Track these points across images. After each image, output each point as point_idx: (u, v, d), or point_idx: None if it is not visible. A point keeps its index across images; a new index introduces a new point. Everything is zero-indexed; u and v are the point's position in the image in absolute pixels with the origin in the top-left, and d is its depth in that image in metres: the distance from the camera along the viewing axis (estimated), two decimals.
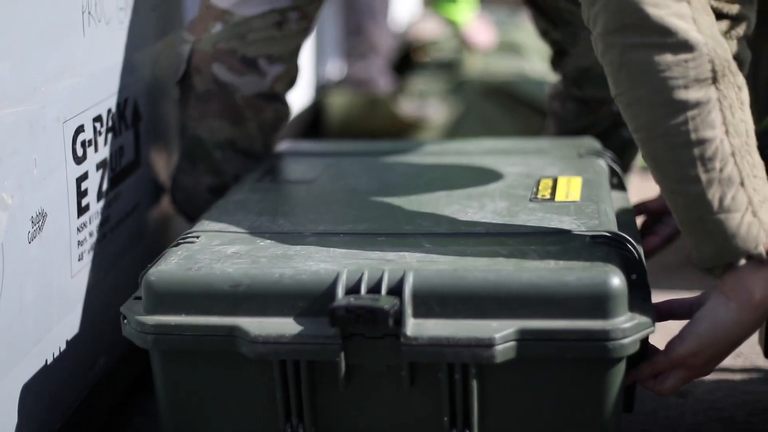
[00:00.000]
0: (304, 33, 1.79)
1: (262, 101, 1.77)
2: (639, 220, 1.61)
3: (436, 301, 1.19)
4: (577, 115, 1.99)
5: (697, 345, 1.22)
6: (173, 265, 1.28)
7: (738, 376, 1.73)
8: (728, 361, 1.77)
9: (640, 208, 1.72)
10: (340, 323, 1.17)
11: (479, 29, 3.80)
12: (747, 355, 1.80)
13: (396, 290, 1.19)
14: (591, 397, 1.20)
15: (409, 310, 1.18)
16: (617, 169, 1.68)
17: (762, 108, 1.99)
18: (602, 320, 1.16)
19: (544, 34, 2.00)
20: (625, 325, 1.16)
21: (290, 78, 1.81)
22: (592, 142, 1.81)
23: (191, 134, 1.79)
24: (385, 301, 1.17)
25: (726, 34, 1.40)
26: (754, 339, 1.86)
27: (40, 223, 1.34)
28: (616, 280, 1.17)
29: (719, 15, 1.37)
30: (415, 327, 1.18)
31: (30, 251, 1.31)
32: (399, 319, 1.17)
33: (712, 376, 1.73)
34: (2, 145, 1.24)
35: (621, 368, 1.19)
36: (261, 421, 1.26)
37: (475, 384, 1.19)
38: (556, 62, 2.00)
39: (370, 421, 1.25)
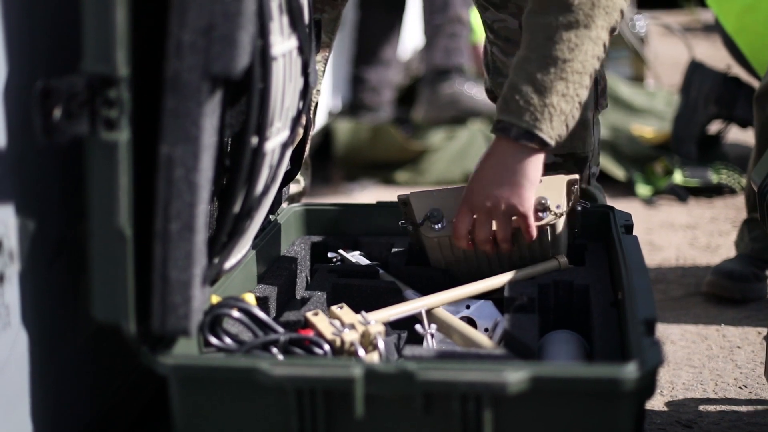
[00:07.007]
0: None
1: None
2: None
3: None
4: None
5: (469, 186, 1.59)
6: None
7: (743, 408, 1.74)
8: (733, 393, 1.79)
9: None
10: None
11: (478, 53, 3.85)
12: (752, 387, 1.82)
13: None
14: (604, 430, 1.21)
15: None
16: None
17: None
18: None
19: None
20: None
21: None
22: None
23: None
24: None
25: None
26: (759, 371, 1.87)
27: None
28: None
29: None
30: None
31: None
32: None
33: (717, 407, 1.74)
34: None
35: (634, 401, 1.21)
36: None
37: (488, 415, 1.21)
38: None
39: None
